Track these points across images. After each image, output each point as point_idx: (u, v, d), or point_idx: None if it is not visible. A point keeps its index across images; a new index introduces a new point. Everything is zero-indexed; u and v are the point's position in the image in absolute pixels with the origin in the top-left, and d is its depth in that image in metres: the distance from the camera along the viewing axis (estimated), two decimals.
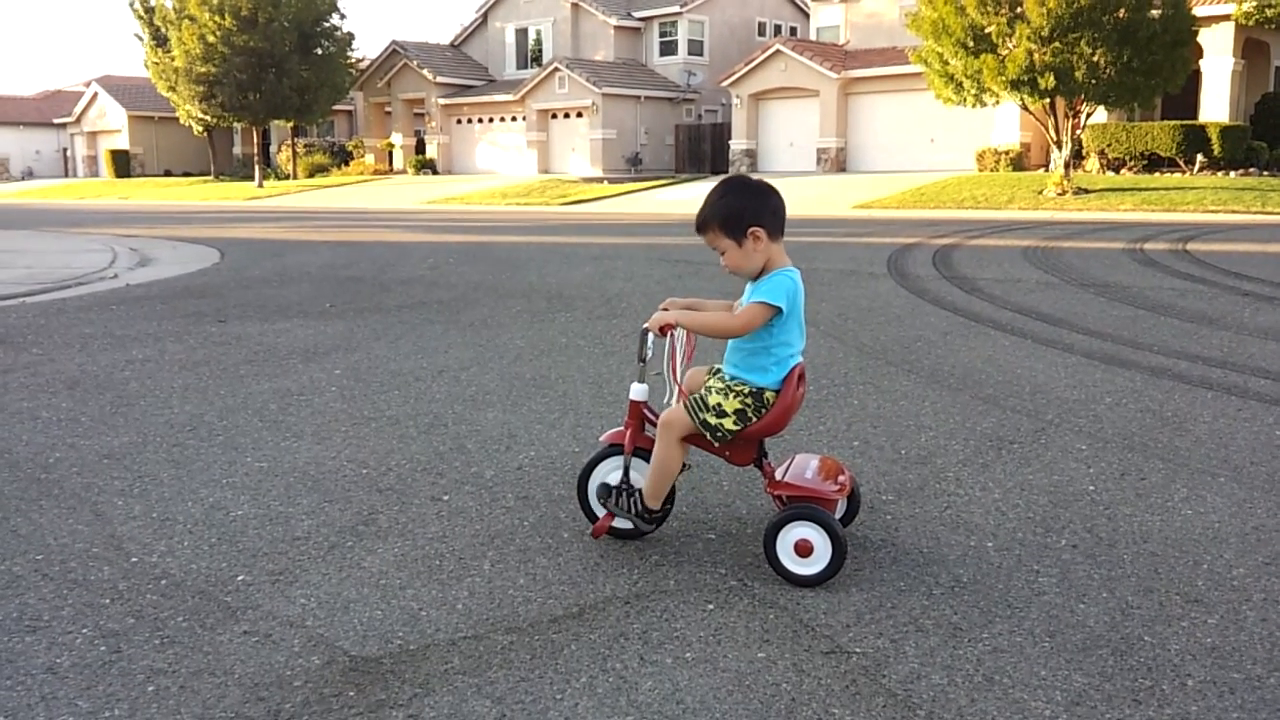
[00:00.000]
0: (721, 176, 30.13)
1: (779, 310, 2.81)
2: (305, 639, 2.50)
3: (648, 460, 3.00)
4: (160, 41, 40.22)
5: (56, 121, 59.68)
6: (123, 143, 53.16)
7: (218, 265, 11.84)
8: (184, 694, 2.24)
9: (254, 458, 3.98)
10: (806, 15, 39.88)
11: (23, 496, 3.54)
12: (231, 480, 3.71)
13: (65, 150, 60.31)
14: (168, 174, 51.07)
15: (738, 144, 35.23)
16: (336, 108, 44.50)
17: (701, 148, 37.50)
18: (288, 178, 42.75)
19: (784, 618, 2.60)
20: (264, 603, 2.70)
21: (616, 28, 39.97)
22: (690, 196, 28.26)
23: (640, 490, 2.98)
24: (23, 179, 57.43)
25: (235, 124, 42.00)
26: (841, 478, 2.97)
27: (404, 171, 42.41)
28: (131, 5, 42.62)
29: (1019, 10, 20.55)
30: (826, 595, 2.71)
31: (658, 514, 3.02)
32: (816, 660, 2.39)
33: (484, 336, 6.61)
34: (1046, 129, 22.59)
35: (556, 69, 37.98)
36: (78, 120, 57.28)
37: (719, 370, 3.01)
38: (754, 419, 2.87)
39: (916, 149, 31.02)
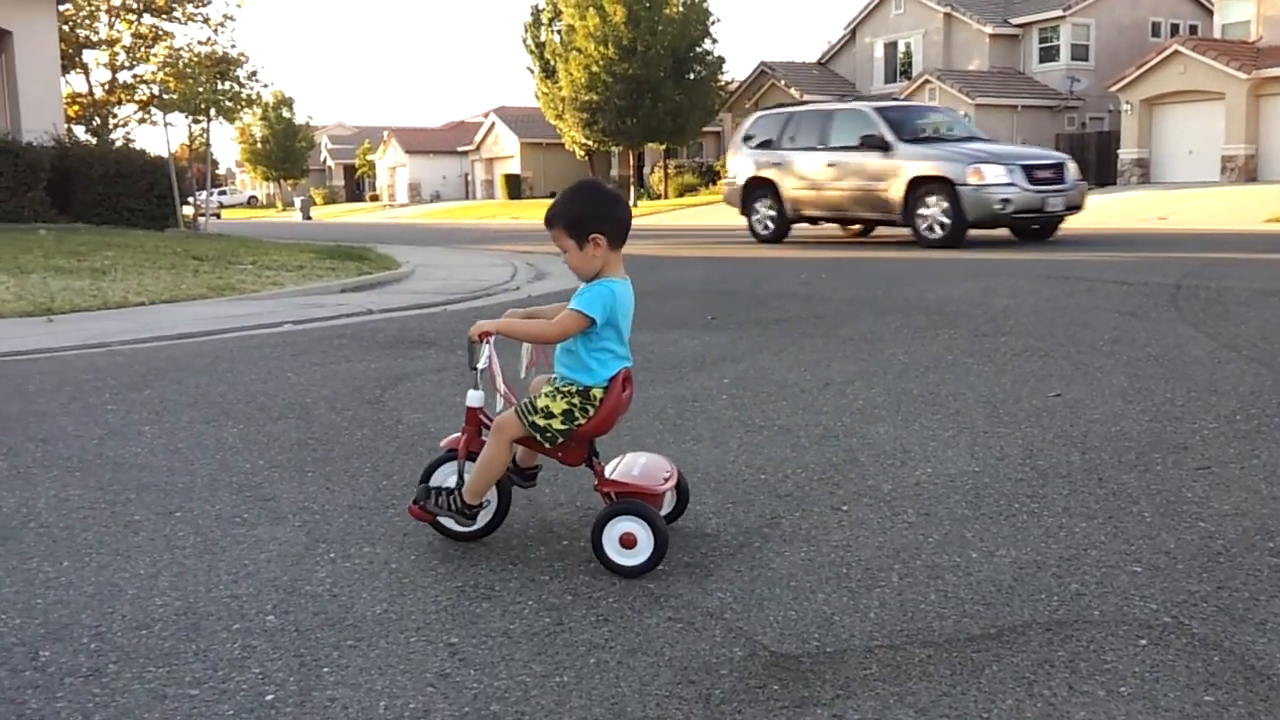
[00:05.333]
0: (1108, 187, 27.89)
1: (592, 321, 2.95)
2: (725, 630, 2.61)
3: None
4: (549, 73, 43.69)
5: (459, 149, 66.51)
6: (515, 167, 58.30)
7: None
8: (621, 669, 2.42)
9: None
10: (1209, 11, 36.35)
11: None
12: None
13: (466, 175, 67.03)
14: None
15: (1127, 153, 32.75)
16: (706, 129, 46.16)
17: (1085, 158, 35.07)
18: (659, 197, 44.90)
19: (1231, 661, 2.38)
20: (684, 592, 2.85)
21: (992, 36, 38.48)
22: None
23: (459, 490, 3.09)
24: (431, 201, 64.40)
25: (613, 148, 44.78)
26: (667, 474, 3.15)
27: None
28: (524, 41, 46.61)
29: None
30: None
31: (476, 510, 3.12)
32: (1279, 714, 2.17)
33: (865, 351, 6.59)
34: None
35: (927, 81, 37.17)
36: (477, 148, 63.51)
37: (553, 376, 3.13)
38: (581, 419, 3.02)
39: None
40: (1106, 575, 2.91)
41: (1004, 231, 16.61)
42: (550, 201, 3.21)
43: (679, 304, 9.50)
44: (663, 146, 44.93)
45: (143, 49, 34.28)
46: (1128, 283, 9.84)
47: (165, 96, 34.45)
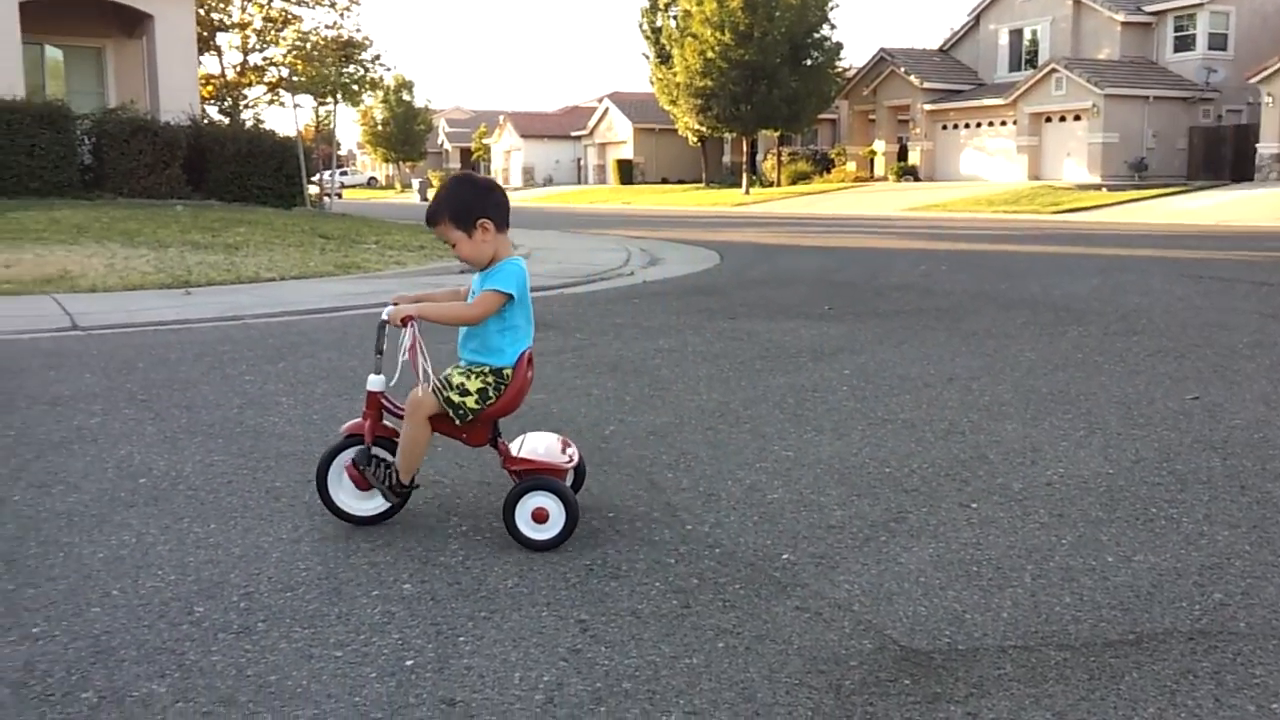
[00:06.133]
0: (1245, 183, 26.56)
1: (510, 297, 3.06)
2: (854, 623, 2.60)
3: (388, 449, 3.19)
4: (664, 59, 43.70)
5: (573, 134, 67.00)
6: (627, 153, 58.50)
7: (719, 266, 12.64)
8: (750, 655, 2.44)
9: (781, 446, 4.21)
10: None
11: (589, 461, 4.01)
12: (763, 465, 3.95)
13: (579, 160, 67.53)
14: (664, 181, 55.26)
15: (1266, 148, 31.24)
16: (821, 116, 45.63)
17: (1220, 152, 33.73)
18: (771, 185, 44.55)
19: None
20: (810, 583, 2.85)
21: (1124, 24, 37.07)
22: (1209, 205, 25.53)
23: (395, 467, 3.15)
24: (544, 185, 65.08)
25: (726, 134, 44.61)
26: (570, 451, 3.29)
27: (884, 178, 42.45)
28: (640, 27, 46.67)
29: None
30: None
31: (408, 490, 3.20)
32: None
33: (990, 347, 6.45)
34: None
35: (1054, 69, 36.02)
36: (590, 133, 63.92)
37: (459, 361, 3.20)
38: (494, 398, 3.13)
39: None
40: (1252, 586, 2.80)
41: (1137, 221, 16.02)
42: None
43: (794, 293, 9.44)
44: (777, 133, 44.56)
45: (272, 32, 35.43)
46: (1268, 284, 9.42)
47: (294, 79, 35.62)
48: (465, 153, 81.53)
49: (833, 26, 40.93)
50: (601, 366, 5.93)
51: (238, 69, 35.40)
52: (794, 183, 44.72)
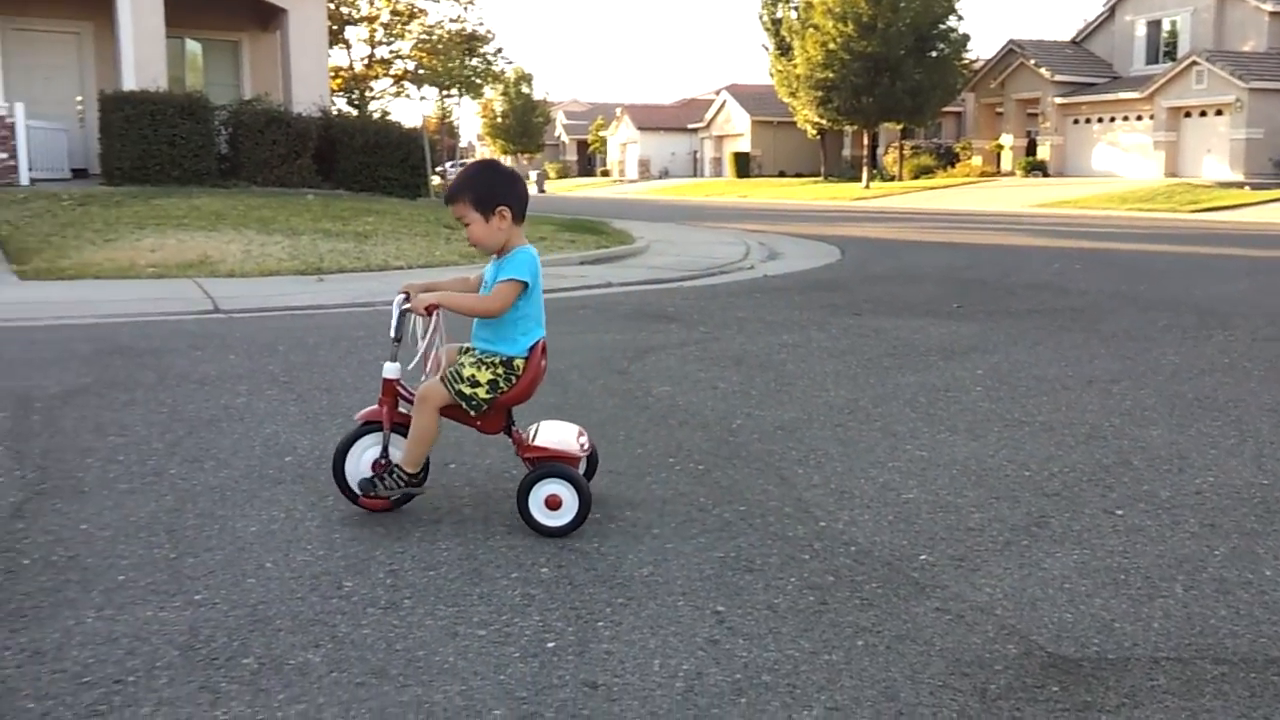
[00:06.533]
0: None
1: (525, 285, 3.10)
2: (997, 627, 2.55)
3: (404, 435, 3.18)
4: (784, 50, 43.24)
5: (689, 127, 66.93)
6: (744, 145, 58.17)
7: (840, 261, 12.49)
8: (890, 654, 2.40)
9: (914, 446, 4.14)
10: None
11: (717, 454, 4.03)
12: (896, 464, 3.89)
13: (695, 152, 67.44)
14: (781, 174, 54.80)
15: None
16: (946, 109, 44.58)
17: None
18: (893, 179, 43.75)
19: None
20: (950, 585, 2.80)
21: (1272, 13, 35.22)
22: None
23: (398, 464, 3.16)
24: (660, 178, 65.20)
25: (847, 127, 43.94)
26: (583, 439, 3.30)
27: (1011, 173, 41.27)
28: (760, 18, 46.28)
29: None
30: None
31: (419, 475, 3.20)
32: None
33: (1130, 349, 6.22)
34: None
35: (1194, 62, 34.46)
36: (707, 125, 63.75)
37: (469, 348, 3.22)
38: (505, 388, 3.16)
39: None
40: None
41: None
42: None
43: (920, 290, 9.26)
44: (899, 126, 43.74)
45: (399, 25, 36.35)
46: None
47: (419, 71, 36.48)
48: (582, 145, 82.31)
49: (959, 17, 39.89)
50: (726, 360, 5.92)
51: (365, 61, 36.43)
52: (916, 177, 43.79)
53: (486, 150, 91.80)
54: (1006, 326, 7.09)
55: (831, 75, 39.10)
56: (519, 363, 3.19)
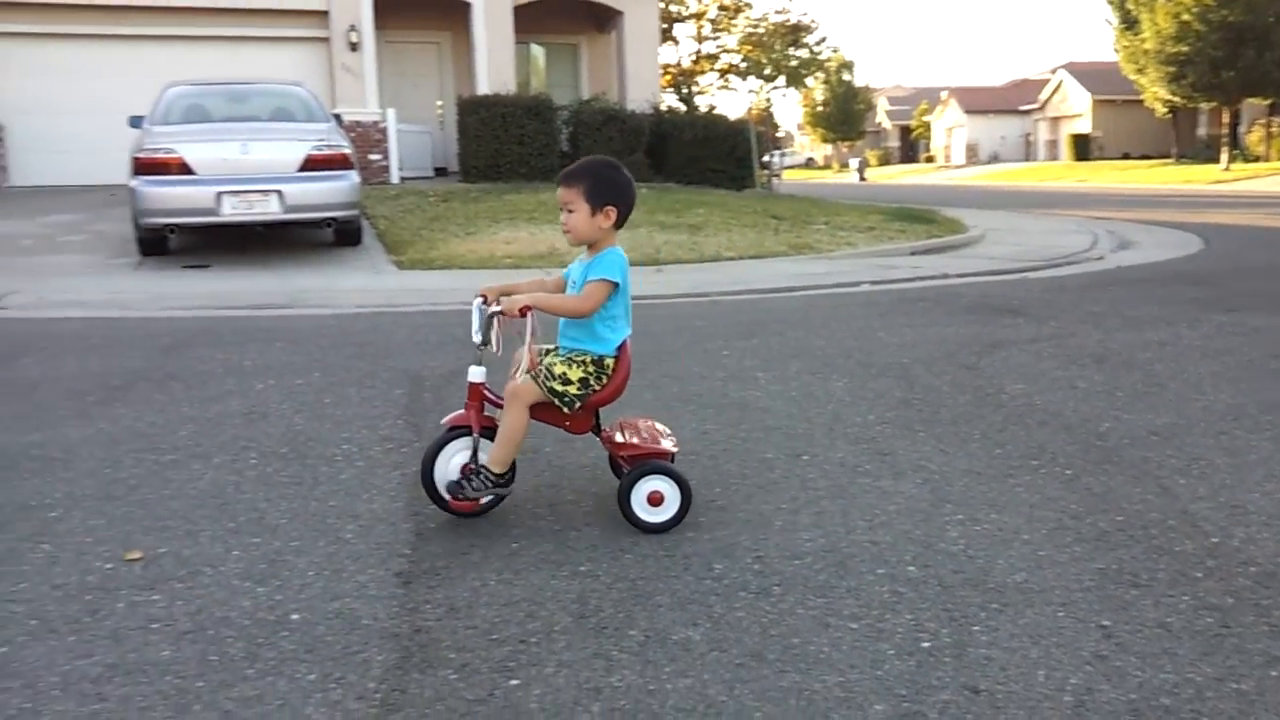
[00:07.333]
0: None
1: (617, 285, 3.09)
2: None
3: (492, 439, 3.12)
4: (1129, 24, 39.91)
5: (1021, 108, 63.48)
6: (1084, 127, 54.42)
7: (1204, 251, 11.42)
8: None
9: None
10: None
11: (1084, 458, 3.81)
12: None
13: (1028, 135, 63.88)
14: (1125, 157, 50.75)
15: None
16: None
17: None
18: (1258, 160, 39.38)
19: None
20: None
21: None
22: None
23: (484, 465, 3.10)
24: (988, 163, 62.31)
25: (1202, 104, 40.00)
26: (668, 434, 3.30)
27: None
28: None
29: None
30: None
31: (507, 476, 3.13)
32: None
33: None
34: None
35: None
36: (1041, 107, 60.24)
37: (556, 348, 3.20)
38: (596, 387, 3.15)
39: None
40: None
41: None
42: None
43: None
44: (1267, 102, 39.22)
45: (725, 20, 36.94)
46: None
47: (743, 64, 36.96)
48: (904, 131, 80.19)
49: None
50: (1084, 358, 5.58)
51: (693, 57, 37.34)
52: None
53: (805, 139, 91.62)
54: None
55: (1185, 48, 35.68)
56: (609, 361, 3.19)
